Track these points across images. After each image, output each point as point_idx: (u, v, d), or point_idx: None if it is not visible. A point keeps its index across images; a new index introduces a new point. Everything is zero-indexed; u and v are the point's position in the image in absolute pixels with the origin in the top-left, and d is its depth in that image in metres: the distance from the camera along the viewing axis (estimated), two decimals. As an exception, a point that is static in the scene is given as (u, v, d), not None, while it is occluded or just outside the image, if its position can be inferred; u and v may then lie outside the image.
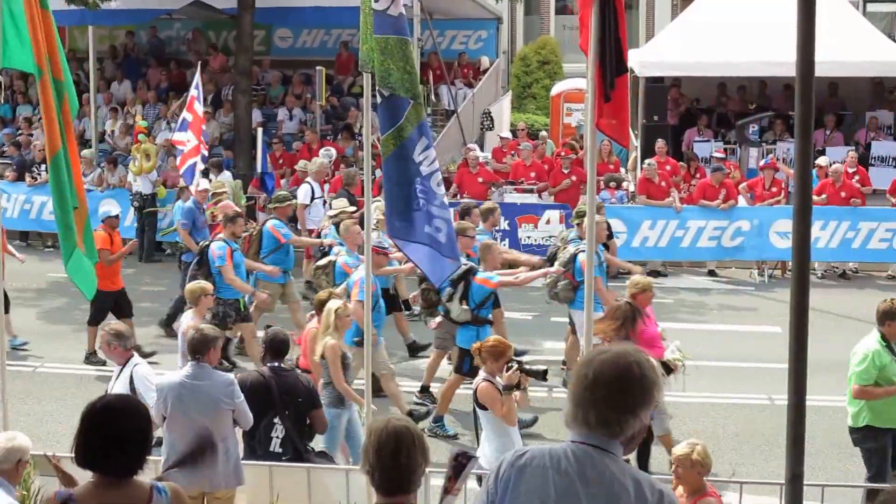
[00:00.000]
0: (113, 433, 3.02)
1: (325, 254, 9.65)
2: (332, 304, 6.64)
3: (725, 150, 15.52)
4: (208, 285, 7.89)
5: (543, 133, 17.17)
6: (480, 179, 14.57)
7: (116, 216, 10.22)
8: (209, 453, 5.13)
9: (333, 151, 15.23)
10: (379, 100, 5.11)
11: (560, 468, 2.56)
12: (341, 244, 9.34)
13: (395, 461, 2.79)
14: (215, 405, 5.41)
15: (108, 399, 3.17)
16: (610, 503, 2.52)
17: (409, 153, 5.07)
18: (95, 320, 9.46)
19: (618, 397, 2.52)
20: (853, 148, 14.80)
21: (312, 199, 12.40)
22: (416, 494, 2.89)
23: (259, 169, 14.08)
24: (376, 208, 10.43)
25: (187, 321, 7.43)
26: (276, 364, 6.06)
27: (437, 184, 5.20)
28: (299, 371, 6.46)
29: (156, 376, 6.15)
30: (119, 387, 6.07)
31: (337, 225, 10.02)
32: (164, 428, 5.47)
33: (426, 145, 5.13)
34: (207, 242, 9.43)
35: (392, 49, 4.98)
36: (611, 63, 4.75)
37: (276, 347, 6.14)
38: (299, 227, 12.10)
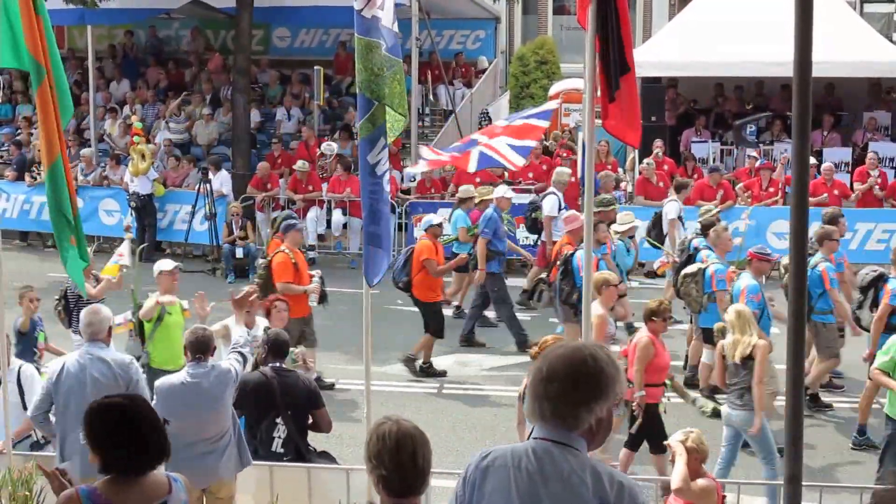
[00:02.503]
0: (134, 435, 3.08)
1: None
2: (740, 307, 6.72)
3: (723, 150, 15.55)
4: (612, 275, 7.80)
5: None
6: (478, 179, 14.61)
7: (440, 224, 9.93)
8: None
9: (335, 146, 15.21)
10: (357, 92, 5.27)
11: (521, 466, 2.59)
12: (709, 248, 8.95)
13: (413, 462, 2.80)
14: (218, 400, 5.44)
15: (116, 402, 3.19)
16: (569, 498, 2.54)
17: (365, 153, 5.17)
18: (439, 333, 9.42)
19: (570, 390, 2.55)
20: (864, 149, 14.83)
21: (559, 209, 11.96)
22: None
23: (580, 174, 13.28)
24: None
25: (596, 311, 7.40)
26: (278, 364, 6.08)
27: (386, 182, 5.30)
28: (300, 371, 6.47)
29: (38, 376, 6.14)
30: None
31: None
32: (169, 431, 5.46)
33: (383, 146, 5.21)
34: (572, 252, 8.98)
35: (363, 50, 5.06)
36: (615, 63, 4.71)
37: (277, 347, 6.16)
38: (544, 238, 11.78)
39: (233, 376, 5.53)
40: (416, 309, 9.95)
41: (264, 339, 6.20)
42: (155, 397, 5.51)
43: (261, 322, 7.20)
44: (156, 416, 3.21)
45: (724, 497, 5.16)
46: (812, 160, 13.58)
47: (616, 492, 2.55)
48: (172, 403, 5.40)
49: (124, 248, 8.53)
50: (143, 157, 14.64)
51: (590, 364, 2.57)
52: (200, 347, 5.52)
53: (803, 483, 3.00)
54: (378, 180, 5.19)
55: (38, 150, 15.88)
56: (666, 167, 14.55)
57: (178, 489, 3.21)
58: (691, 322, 9.25)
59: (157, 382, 5.66)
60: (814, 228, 9.76)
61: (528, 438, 2.68)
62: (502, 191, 11.11)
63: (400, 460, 2.79)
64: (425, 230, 9.76)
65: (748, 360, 6.43)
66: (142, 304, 7.71)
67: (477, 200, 11.16)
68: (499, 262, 10.41)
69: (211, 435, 5.44)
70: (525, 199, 14.59)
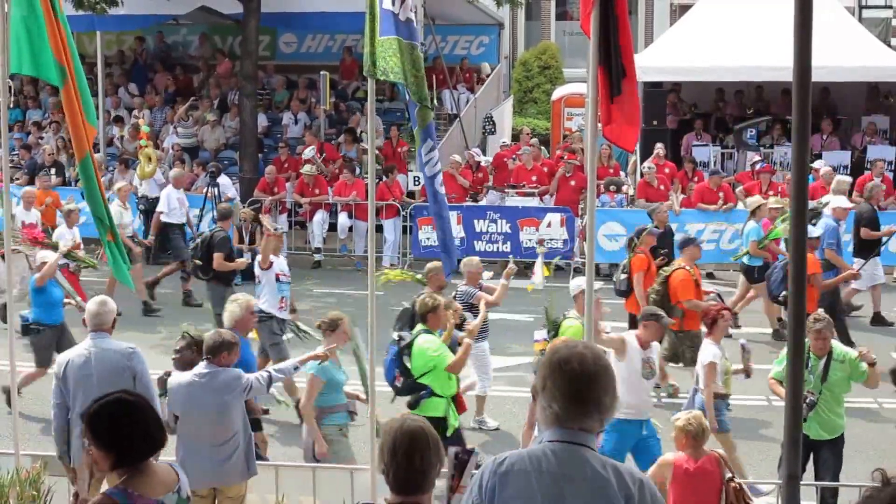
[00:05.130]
0: (140, 422, 3.21)
1: None
2: None
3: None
4: None
5: (535, 140, 17.27)
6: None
7: (817, 238, 9.53)
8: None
9: (313, 149, 15.32)
10: (408, 98, 5.22)
11: (541, 469, 2.59)
12: None
13: (409, 461, 2.83)
14: (223, 405, 5.52)
15: (113, 398, 3.28)
16: (595, 497, 2.56)
17: (420, 153, 5.19)
18: None
19: (593, 387, 2.61)
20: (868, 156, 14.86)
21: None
22: (431, 495, 2.94)
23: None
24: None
25: None
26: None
27: (439, 184, 5.33)
28: None
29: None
30: None
31: None
32: (178, 428, 5.59)
33: (431, 146, 5.21)
34: None
35: (403, 51, 5.06)
36: (616, 67, 4.72)
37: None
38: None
39: (242, 384, 5.59)
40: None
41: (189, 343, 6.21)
42: (168, 393, 5.65)
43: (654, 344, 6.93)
44: (147, 401, 3.34)
45: (729, 479, 5.20)
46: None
47: (638, 489, 2.58)
48: (179, 401, 5.54)
49: (538, 267, 8.36)
50: (148, 160, 14.77)
51: (601, 361, 2.65)
52: (210, 349, 5.62)
53: (802, 482, 3.08)
54: (431, 180, 5.19)
55: (48, 154, 16.04)
56: (667, 170, 14.67)
57: (182, 475, 3.37)
58: None
59: (169, 380, 5.80)
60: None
61: (538, 442, 2.71)
62: (839, 201, 10.94)
63: (395, 458, 2.84)
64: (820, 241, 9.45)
65: None
66: (557, 322, 7.37)
67: (767, 210, 10.96)
68: (835, 273, 10.18)
69: (216, 437, 5.50)
70: (527, 202, 14.73)
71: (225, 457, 5.52)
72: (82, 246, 10.66)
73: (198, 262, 9.98)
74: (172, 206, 12.85)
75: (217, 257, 9.78)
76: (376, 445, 3.33)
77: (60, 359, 5.76)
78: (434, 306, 6.74)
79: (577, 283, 7.36)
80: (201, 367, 5.61)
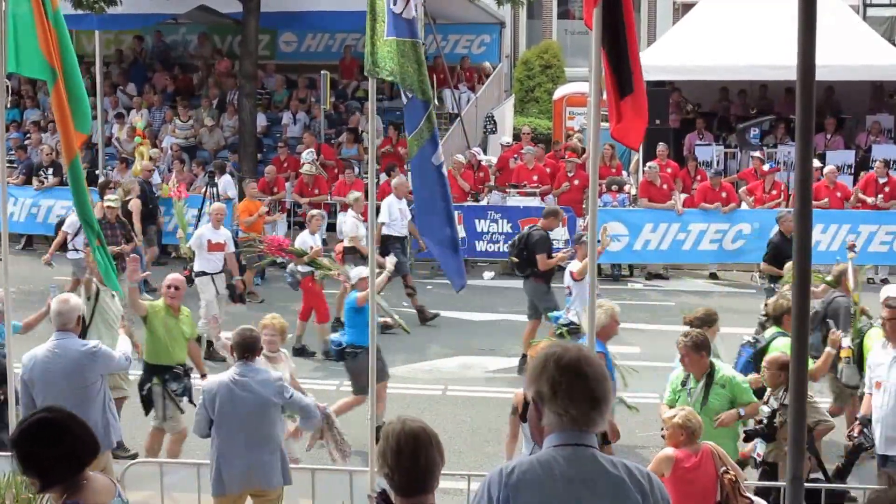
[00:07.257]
0: (66, 435, 3.14)
1: None
2: None
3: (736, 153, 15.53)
4: None
5: (529, 147, 17.11)
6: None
7: None
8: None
9: (313, 152, 15.26)
10: (404, 101, 5.15)
11: (554, 474, 2.56)
12: None
13: (414, 462, 2.82)
14: (264, 403, 5.42)
15: (37, 419, 3.21)
16: (613, 497, 2.54)
17: (429, 154, 5.11)
18: None
19: (600, 387, 2.60)
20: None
21: None
22: (435, 493, 2.92)
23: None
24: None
25: None
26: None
27: (446, 181, 5.26)
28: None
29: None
30: None
31: None
32: (213, 430, 5.45)
33: (437, 145, 5.16)
34: None
35: (408, 52, 5.01)
36: (626, 64, 4.63)
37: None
38: None
39: (282, 385, 5.48)
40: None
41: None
42: (202, 395, 5.54)
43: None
44: (72, 417, 3.24)
45: (724, 471, 5.18)
46: (816, 163, 13.61)
47: (649, 483, 2.59)
48: (217, 401, 5.39)
49: (850, 273, 7.99)
50: (143, 158, 14.76)
51: (596, 363, 2.63)
52: (248, 348, 5.52)
53: (805, 484, 3.04)
54: (445, 181, 5.11)
55: (46, 154, 16.01)
56: (669, 170, 14.61)
57: (117, 483, 3.34)
58: None
59: (204, 382, 5.76)
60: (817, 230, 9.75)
61: (533, 450, 2.68)
62: None
63: (400, 460, 2.82)
64: None
65: None
66: (862, 330, 7.08)
67: None
68: None
69: (253, 437, 5.39)
70: (529, 201, 14.67)
71: (264, 457, 5.42)
72: (323, 253, 10.32)
73: (514, 259, 10.10)
74: (394, 216, 12.02)
75: (540, 258, 9.83)
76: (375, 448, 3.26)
77: (25, 358, 5.74)
78: (790, 308, 6.50)
79: (886, 291, 6.98)
80: (238, 366, 5.49)
